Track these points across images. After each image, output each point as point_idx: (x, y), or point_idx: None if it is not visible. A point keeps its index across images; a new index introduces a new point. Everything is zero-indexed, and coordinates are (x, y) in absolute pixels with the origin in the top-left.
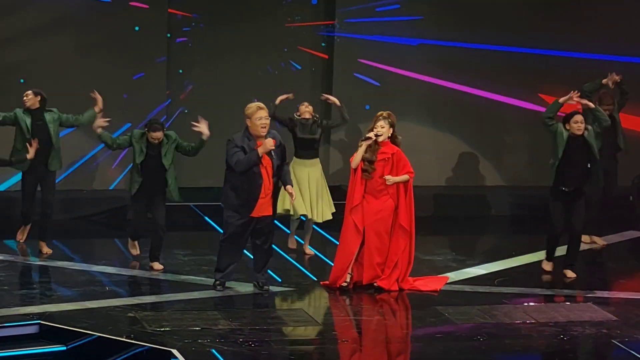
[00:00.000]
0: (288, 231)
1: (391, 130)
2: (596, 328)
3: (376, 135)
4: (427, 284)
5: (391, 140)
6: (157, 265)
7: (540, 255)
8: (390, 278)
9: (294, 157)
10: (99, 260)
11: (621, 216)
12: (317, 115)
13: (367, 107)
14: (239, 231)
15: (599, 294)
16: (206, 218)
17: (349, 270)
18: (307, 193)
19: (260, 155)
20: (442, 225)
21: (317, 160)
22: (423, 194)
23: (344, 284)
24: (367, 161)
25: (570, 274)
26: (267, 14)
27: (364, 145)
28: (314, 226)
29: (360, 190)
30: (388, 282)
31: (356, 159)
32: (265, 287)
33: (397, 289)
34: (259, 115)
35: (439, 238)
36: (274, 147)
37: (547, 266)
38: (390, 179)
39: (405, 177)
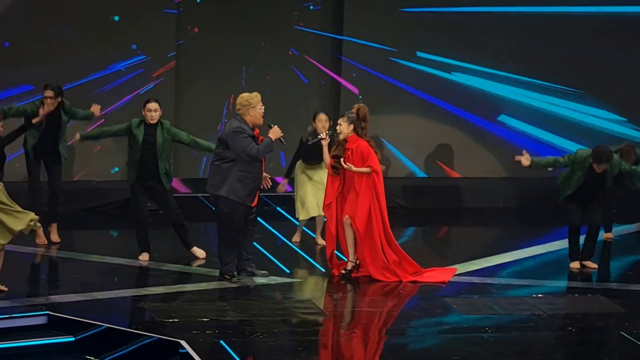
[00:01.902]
0: (294, 220)
1: (352, 126)
2: (604, 320)
3: (330, 136)
4: (436, 275)
5: (358, 134)
6: (198, 252)
7: (549, 247)
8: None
9: (301, 162)
10: (107, 251)
11: (630, 208)
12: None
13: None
14: (241, 221)
15: (608, 285)
16: (214, 209)
17: (352, 259)
18: (311, 194)
19: (273, 142)
20: (450, 217)
21: (322, 164)
22: (431, 185)
23: (343, 271)
24: (335, 158)
25: (590, 264)
26: (277, 14)
27: (324, 146)
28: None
29: (332, 189)
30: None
31: (325, 159)
32: (259, 270)
33: (397, 280)
34: (261, 104)
35: (447, 230)
36: (282, 134)
37: (575, 265)
38: (352, 167)
39: (365, 169)
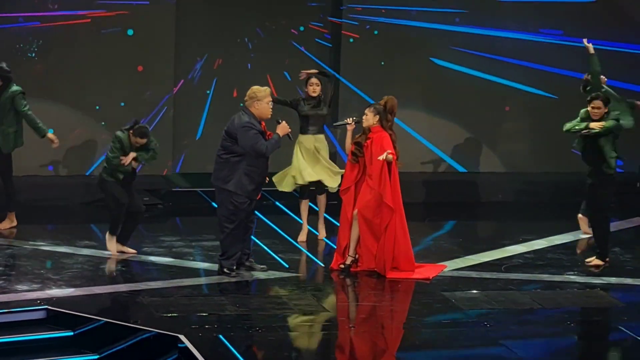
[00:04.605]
0: (294, 215)
1: (377, 117)
2: (603, 314)
3: (356, 122)
4: (426, 271)
5: (382, 126)
6: (129, 250)
7: (550, 240)
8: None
9: (299, 134)
10: (106, 245)
11: (628, 202)
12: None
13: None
14: (247, 215)
15: (606, 280)
16: (214, 204)
17: (352, 253)
18: (315, 163)
19: (281, 139)
20: (449, 211)
21: (323, 137)
22: (430, 179)
23: (342, 266)
24: (357, 145)
25: (594, 261)
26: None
27: (349, 131)
28: (325, 215)
29: (351, 175)
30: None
31: (346, 145)
32: (258, 264)
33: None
34: (269, 98)
35: (446, 224)
36: (290, 130)
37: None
38: (387, 156)
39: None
